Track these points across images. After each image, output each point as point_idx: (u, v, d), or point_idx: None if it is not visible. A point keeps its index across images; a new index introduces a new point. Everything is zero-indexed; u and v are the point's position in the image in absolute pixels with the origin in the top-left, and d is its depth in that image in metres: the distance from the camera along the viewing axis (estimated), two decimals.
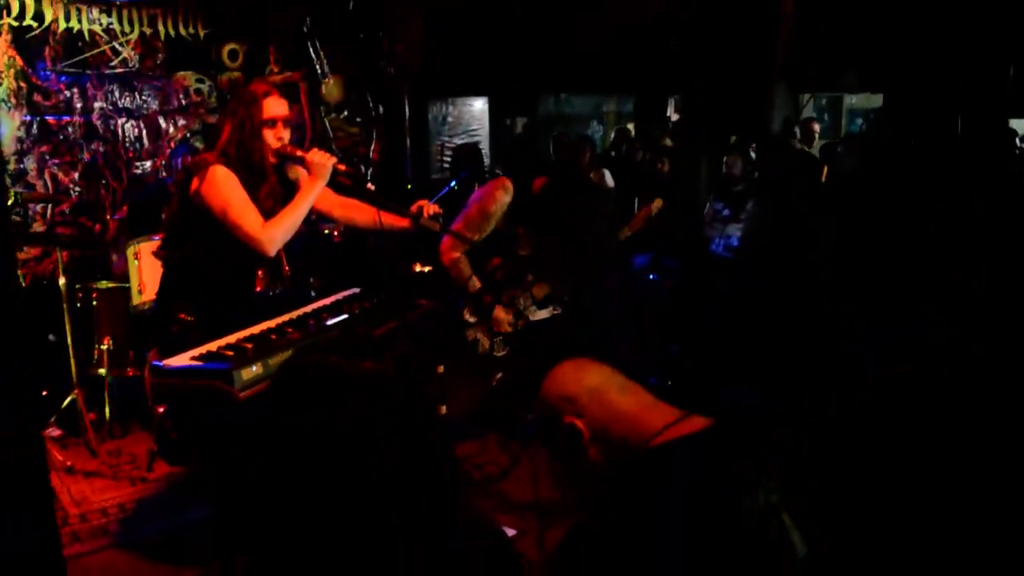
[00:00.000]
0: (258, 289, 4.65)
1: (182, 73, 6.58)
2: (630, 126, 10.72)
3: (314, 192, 3.09)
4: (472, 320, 4.09)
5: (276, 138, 3.11)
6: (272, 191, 3.15)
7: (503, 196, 4.07)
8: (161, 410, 4.35)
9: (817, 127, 7.97)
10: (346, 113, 7.56)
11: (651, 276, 6.55)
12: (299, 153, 3.12)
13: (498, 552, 1.45)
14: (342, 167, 3.12)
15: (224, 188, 3.00)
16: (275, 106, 3.10)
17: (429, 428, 1.36)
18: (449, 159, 8.24)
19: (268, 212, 3.08)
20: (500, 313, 4.03)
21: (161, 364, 2.69)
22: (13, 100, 5.85)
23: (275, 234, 3.02)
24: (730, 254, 6.38)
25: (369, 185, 3.24)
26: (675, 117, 10.00)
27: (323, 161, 3.06)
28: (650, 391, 1.73)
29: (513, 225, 4.12)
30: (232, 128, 3.08)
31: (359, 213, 3.45)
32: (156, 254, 3.32)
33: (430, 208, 3.33)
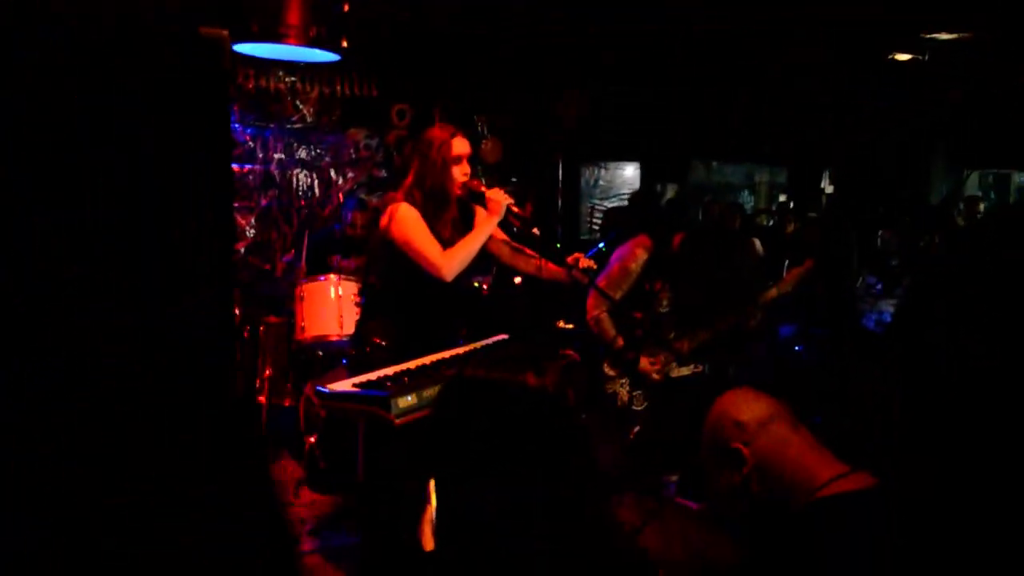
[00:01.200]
0: None
1: (355, 129, 7.05)
2: (782, 198, 10.61)
3: (490, 226, 3.40)
4: (612, 374, 4.16)
5: (462, 173, 3.43)
6: (455, 222, 3.47)
7: (642, 253, 4.15)
8: (312, 440, 4.63)
9: (982, 206, 7.69)
10: (501, 173, 7.85)
11: (797, 348, 6.44)
12: (481, 188, 3.43)
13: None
14: (516, 208, 3.41)
15: (407, 222, 3.33)
16: (461, 145, 3.43)
17: (584, 447, 1.45)
18: (599, 221, 8.40)
19: (448, 241, 3.38)
20: (646, 363, 4.08)
21: (325, 389, 2.91)
22: None
23: (454, 261, 3.34)
24: (882, 330, 6.21)
25: (535, 230, 3.47)
26: (829, 189, 9.84)
27: (500, 199, 3.37)
28: (817, 438, 1.74)
29: (652, 281, 4.20)
30: (420, 167, 3.41)
31: (521, 257, 3.73)
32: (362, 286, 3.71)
33: (585, 261, 3.53)
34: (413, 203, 3.38)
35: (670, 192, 9.63)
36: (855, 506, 1.58)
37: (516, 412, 1.37)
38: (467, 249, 3.37)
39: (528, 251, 3.70)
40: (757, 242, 8.11)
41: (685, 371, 4.19)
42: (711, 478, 1.83)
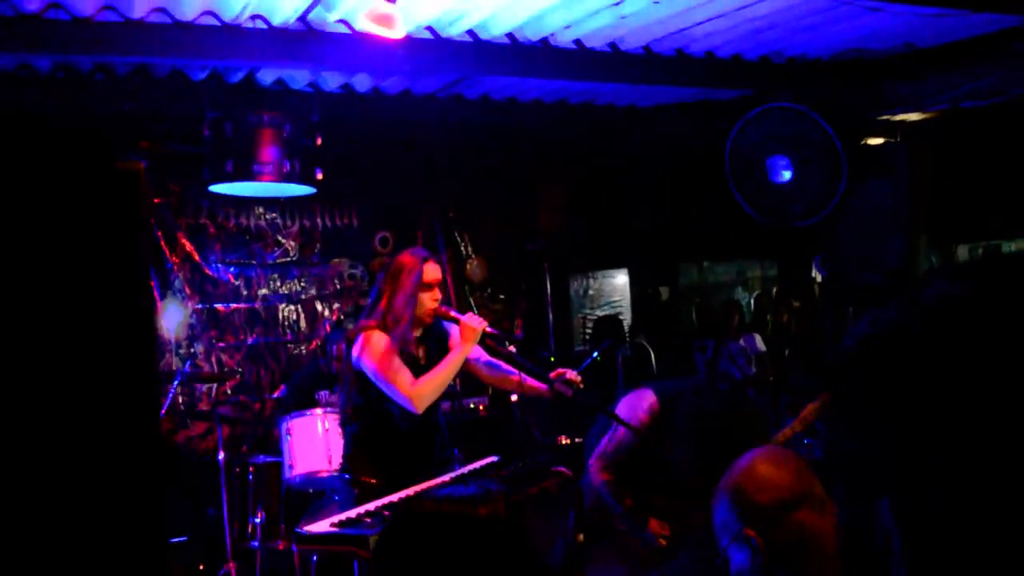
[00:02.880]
0: None
1: (337, 260, 7.03)
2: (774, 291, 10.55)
3: (463, 353, 3.33)
4: (622, 529, 3.94)
5: (433, 300, 3.40)
6: (427, 344, 3.46)
7: (647, 419, 3.94)
8: None
9: None
10: (489, 291, 7.81)
11: (806, 440, 6.25)
12: (453, 315, 3.40)
13: None
14: (490, 331, 3.36)
15: (377, 352, 3.28)
16: (432, 271, 3.43)
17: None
18: (590, 331, 8.31)
19: (420, 360, 3.37)
20: (656, 527, 3.84)
21: (304, 531, 2.79)
22: (188, 290, 6.37)
23: (424, 391, 3.27)
24: None
25: (511, 348, 3.42)
26: (819, 278, 9.79)
27: (474, 325, 3.31)
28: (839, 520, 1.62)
29: (661, 444, 4.01)
30: (391, 293, 3.38)
31: (499, 375, 3.66)
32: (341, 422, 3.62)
33: (570, 375, 3.44)
34: (385, 329, 3.33)
35: (663, 295, 9.58)
36: None
37: (464, 542, 1.26)
38: (438, 380, 3.31)
39: (506, 366, 3.63)
40: (758, 337, 8.03)
41: None
42: (719, 544, 1.69)
